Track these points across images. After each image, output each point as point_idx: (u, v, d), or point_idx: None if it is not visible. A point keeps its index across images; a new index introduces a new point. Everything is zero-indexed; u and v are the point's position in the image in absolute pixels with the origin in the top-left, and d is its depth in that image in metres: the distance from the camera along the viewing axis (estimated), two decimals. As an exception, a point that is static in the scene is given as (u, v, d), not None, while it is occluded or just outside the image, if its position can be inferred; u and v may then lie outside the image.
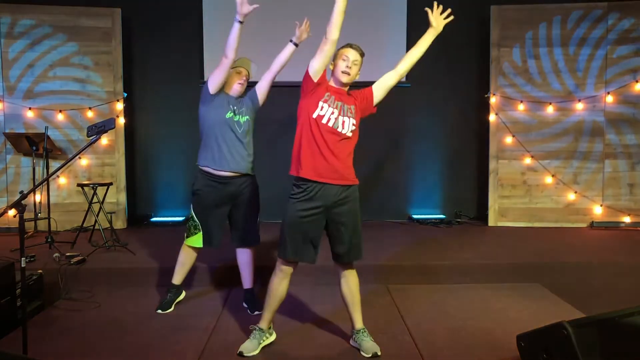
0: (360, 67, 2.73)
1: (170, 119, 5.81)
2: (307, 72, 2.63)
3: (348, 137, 2.65)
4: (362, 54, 2.71)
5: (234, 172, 3.18)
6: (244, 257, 3.36)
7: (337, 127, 2.62)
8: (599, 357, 2.12)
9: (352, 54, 2.66)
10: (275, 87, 5.88)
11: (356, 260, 2.75)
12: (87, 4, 5.38)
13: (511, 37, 5.48)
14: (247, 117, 3.25)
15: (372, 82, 5.79)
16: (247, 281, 3.40)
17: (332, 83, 2.71)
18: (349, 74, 2.65)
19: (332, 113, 2.62)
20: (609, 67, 5.39)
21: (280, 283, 2.70)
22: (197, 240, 3.26)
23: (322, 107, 2.61)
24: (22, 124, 5.30)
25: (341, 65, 2.65)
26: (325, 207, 2.62)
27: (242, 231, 3.31)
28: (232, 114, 3.18)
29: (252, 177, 3.31)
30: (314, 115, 2.60)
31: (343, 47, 2.68)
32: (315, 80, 2.62)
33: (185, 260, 3.38)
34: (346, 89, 2.73)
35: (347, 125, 2.65)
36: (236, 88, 3.26)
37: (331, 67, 2.70)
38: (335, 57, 2.68)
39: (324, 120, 2.60)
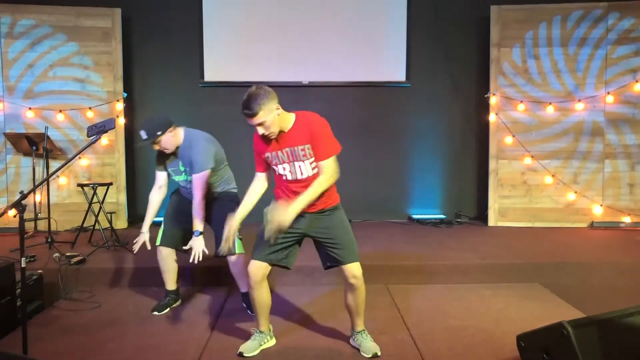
0: (272, 112, 2.38)
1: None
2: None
3: (314, 175, 2.51)
4: (257, 112, 2.35)
5: None
6: (234, 268, 3.29)
7: (296, 177, 2.53)
8: (599, 357, 2.12)
9: (251, 121, 2.40)
10: (276, 87, 5.88)
11: (352, 262, 2.59)
12: (87, 4, 5.39)
13: (511, 37, 5.48)
14: (188, 174, 3.19)
15: (372, 82, 5.84)
16: (242, 286, 3.38)
17: None
18: (270, 134, 2.44)
19: (284, 169, 2.53)
20: (609, 67, 5.39)
21: (257, 292, 2.62)
22: (157, 238, 3.29)
23: (275, 169, 2.57)
24: (22, 124, 5.30)
25: (258, 131, 2.45)
26: (303, 216, 2.56)
27: (218, 241, 3.25)
28: (175, 176, 3.24)
29: (222, 193, 3.29)
30: (277, 174, 2.59)
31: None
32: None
33: (160, 264, 3.35)
34: (286, 130, 2.48)
35: (306, 168, 2.51)
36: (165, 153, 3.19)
37: None
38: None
39: (284, 178, 2.56)
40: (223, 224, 3.06)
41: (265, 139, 2.50)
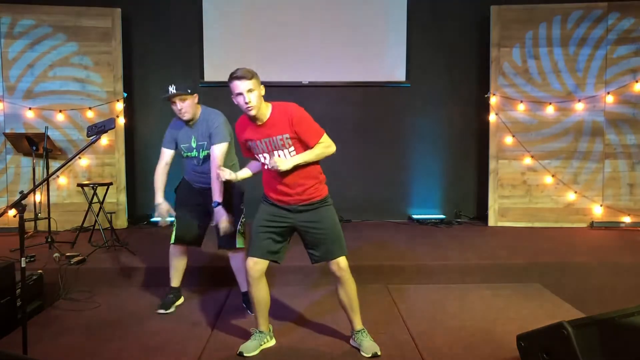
0: (260, 87, 2.48)
1: (170, 118, 5.76)
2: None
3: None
4: (251, 77, 2.44)
5: (206, 185, 3.20)
6: (234, 263, 3.32)
7: None
8: (599, 357, 2.12)
9: (241, 86, 2.42)
10: (276, 87, 5.88)
11: (339, 256, 2.61)
12: (87, 4, 5.38)
13: (511, 37, 5.48)
14: (203, 149, 3.20)
15: (372, 82, 5.79)
16: (242, 285, 3.38)
17: (250, 119, 2.55)
18: (252, 107, 2.45)
19: (265, 158, 2.58)
20: (609, 67, 5.39)
21: (256, 289, 2.65)
22: (172, 236, 3.29)
23: (259, 157, 2.61)
24: (22, 124, 5.30)
25: (240, 102, 2.45)
26: (292, 211, 2.62)
27: (218, 235, 3.26)
28: (186, 153, 3.23)
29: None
30: (262, 163, 2.64)
31: (229, 80, 2.46)
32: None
33: (172, 261, 3.37)
34: (264, 119, 2.52)
35: (287, 157, 2.54)
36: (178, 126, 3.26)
37: (235, 102, 2.50)
38: (232, 95, 2.49)
39: (267, 166, 2.58)
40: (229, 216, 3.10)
41: (247, 121, 2.56)
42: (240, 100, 2.46)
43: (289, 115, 2.50)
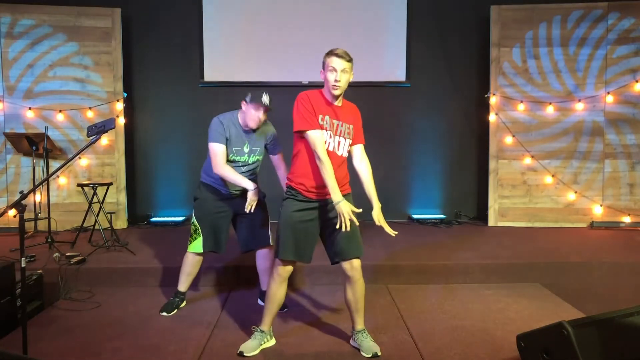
0: (351, 73, 2.54)
1: (170, 118, 5.82)
2: (300, 132, 2.53)
3: (343, 158, 2.63)
4: (349, 60, 2.50)
5: (237, 190, 3.19)
6: (264, 264, 3.32)
7: (334, 149, 2.58)
8: (599, 357, 2.12)
9: (338, 63, 2.48)
10: (276, 87, 5.89)
11: (356, 257, 2.66)
12: (87, 4, 5.39)
13: (511, 37, 5.48)
14: (255, 154, 3.22)
15: (372, 82, 5.80)
16: (264, 284, 3.38)
17: (325, 94, 2.58)
18: (338, 87, 2.51)
19: (330, 137, 2.56)
20: (609, 67, 5.39)
21: (279, 288, 2.68)
22: (197, 245, 3.24)
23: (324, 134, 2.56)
24: (22, 124, 5.30)
25: (330, 78, 2.49)
26: (320, 206, 2.64)
27: (252, 235, 3.26)
28: (235, 156, 3.15)
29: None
30: None
31: (328, 55, 2.51)
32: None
33: (187, 268, 3.33)
34: (339, 101, 2.61)
35: (343, 147, 2.62)
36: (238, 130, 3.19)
37: (322, 77, 2.56)
38: (323, 67, 2.53)
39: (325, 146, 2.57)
40: (254, 216, 3.14)
41: (320, 97, 2.57)
42: (330, 76, 2.49)
43: (356, 110, 2.71)
